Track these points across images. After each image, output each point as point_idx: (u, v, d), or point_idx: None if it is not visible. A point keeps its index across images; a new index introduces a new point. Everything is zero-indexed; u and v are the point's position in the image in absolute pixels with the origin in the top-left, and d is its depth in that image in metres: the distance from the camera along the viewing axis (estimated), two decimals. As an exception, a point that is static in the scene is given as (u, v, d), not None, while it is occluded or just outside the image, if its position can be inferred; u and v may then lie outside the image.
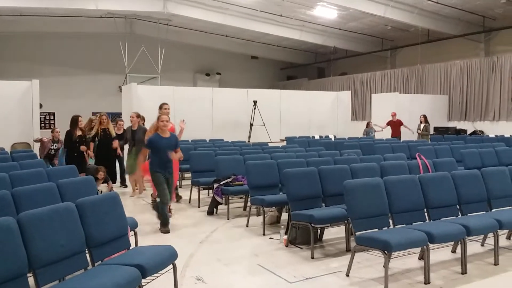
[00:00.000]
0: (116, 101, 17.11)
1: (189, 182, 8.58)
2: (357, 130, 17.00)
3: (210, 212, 7.14)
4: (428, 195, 4.86)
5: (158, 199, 6.25)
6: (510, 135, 13.34)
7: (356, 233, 4.29)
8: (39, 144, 10.19)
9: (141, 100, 12.48)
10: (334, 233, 5.80)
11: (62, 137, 9.39)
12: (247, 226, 6.37)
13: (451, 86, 17.20)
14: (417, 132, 14.26)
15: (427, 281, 4.13)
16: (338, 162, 6.88)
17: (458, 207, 5.05)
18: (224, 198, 6.99)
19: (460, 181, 5.14)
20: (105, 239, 3.70)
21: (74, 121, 8.38)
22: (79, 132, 8.37)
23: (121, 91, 16.12)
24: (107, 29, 19.15)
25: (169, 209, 6.59)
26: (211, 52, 22.93)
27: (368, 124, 15.57)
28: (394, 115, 14.27)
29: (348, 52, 21.57)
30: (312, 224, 4.95)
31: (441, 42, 17.50)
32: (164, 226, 6.10)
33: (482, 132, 15.71)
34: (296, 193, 5.37)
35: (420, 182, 4.91)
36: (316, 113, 16.45)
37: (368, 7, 15.44)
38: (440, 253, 4.80)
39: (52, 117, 20.11)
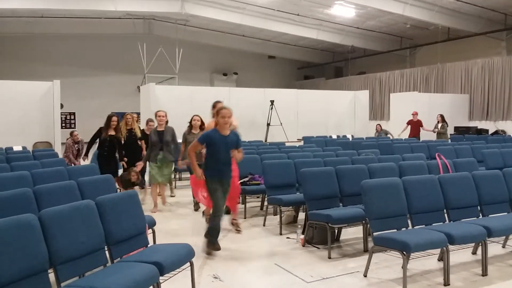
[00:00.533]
0: (134, 101, 17.31)
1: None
2: (375, 130, 16.82)
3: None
4: (448, 195, 4.78)
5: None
6: (533, 135, 13.05)
7: (374, 234, 4.25)
8: (65, 146, 9.87)
9: (159, 100, 12.59)
10: (352, 233, 5.75)
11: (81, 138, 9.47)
12: (264, 225, 6.37)
13: (472, 85, 16.88)
14: (434, 131, 14.11)
15: (446, 283, 4.06)
16: (355, 162, 6.81)
17: (479, 208, 4.96)
18: (241, 198, 7.00)
19: (481, 181, 5.04)
20: (124, 236, 3.75)
21: (107, 119, 7.78)
22: (111, 132, 7.72)
23: (139, 91, 16.29)
24: (125, 30, 19.41)
25: (236, 223, 5.98)
26: (228, 52, 22.99)
27: (377, 127, 15.39)
28: (415, 114, 14.08)
29: (366, 51, 21.36)
30: (330, 224, 4.92)
31: (461, 40, 17.19)
32: (213, 244, 5.01)
33: (504, 132, 15.38)
34: (313, 193, 5.34)
35: (439, 183, 4.83)
36: (334, 112, 16.33)
37: (387, 5, 15.26)
38: (460, 255, 4.71)
39: (72, 117, 20.42)
